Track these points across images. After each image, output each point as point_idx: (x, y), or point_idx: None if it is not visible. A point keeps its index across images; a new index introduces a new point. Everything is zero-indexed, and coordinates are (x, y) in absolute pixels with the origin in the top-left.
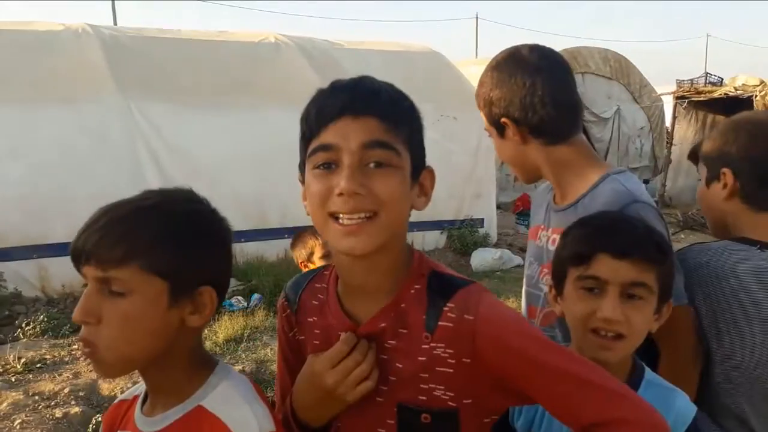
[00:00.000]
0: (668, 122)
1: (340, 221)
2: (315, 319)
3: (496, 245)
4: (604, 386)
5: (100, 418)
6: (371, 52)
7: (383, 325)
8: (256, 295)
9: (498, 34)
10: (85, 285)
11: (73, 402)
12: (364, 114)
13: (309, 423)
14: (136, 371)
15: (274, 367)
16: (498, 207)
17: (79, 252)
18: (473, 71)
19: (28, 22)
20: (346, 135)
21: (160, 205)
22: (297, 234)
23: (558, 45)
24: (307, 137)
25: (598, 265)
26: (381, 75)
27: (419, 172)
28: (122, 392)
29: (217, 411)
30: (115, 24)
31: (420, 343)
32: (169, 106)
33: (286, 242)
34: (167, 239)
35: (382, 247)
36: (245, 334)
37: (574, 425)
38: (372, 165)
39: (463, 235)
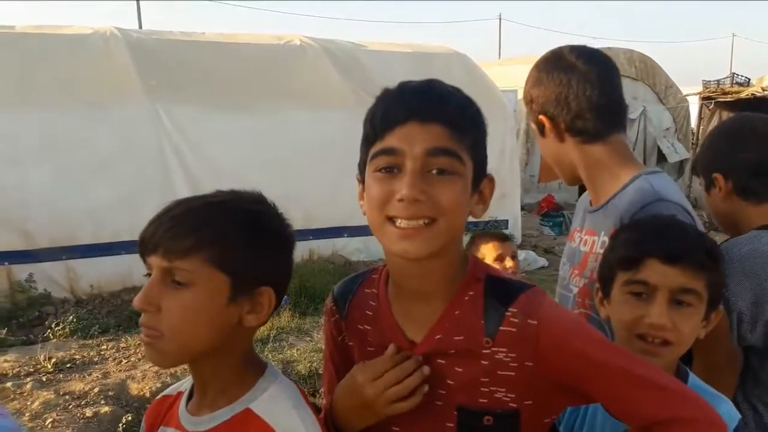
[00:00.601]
0: (693, 123)
1: (397, 224)
2: (368, 328)
3: (521, 246)
4: (665, 386)
5: (129, 418)
6: (396, 54)
7: (439, 337)
8: None
9: (521, 35)
10: (148, 275)
11: (102, 401)
12: (431, 120)
13: (343, 427)
14: (165, 375)
15: (301, 367)
16: (522, 208)
17: (147, 241)
18: (496, 72)
19: (57, 26)
20: (411, 140)
21: (230, 202)
22: (471, 238)
23: None
24: (370, 139)
25: (646, 270)
26: (406, 77)
27: (480, 179)
28: (151, 392)
29: (265, 415)
30: (140, 26)
31: (480, 348)
32: (195, 109)
33: (311, 243)
34: (234, 236)
35: (437, 253)
36: (271, 335)
37: (634, 424)
38: (434, 171)
39: None
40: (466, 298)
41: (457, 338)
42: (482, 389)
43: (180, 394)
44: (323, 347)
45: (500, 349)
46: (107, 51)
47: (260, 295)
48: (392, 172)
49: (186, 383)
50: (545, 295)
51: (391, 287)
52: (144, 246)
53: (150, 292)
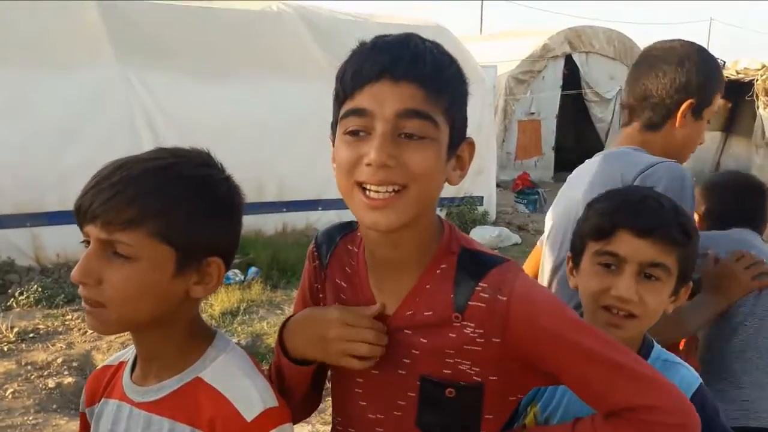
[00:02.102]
0: None
1: (367, 193)
2: (344, 285)
3: (495, 223)
4: (635, 371)
5: None
6: (377, 25)
7: (410, 313)
8: (253, 269)
9: (504, 11)
10: (85, 242)
11: (66, 372)
12: (405, 79)
13: (288, 346)
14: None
15: (270, 340)
16: (497, 185)
17: (85, 210)
18: (477, 47)
19: None
20: (382, 101)
21: (175, 167)
22: None
23: (562, 23)
24: (341, 98)
25: (617, 242)
26: None
27: (458, 144)
28: None
29: (216, 383)
30: None
31: (449, 322)
32: (167, 74)
33: (285, 216)
34: (180, 206)
35: (409, 223)
36: (241, 308)
37: (601, 408)
38: (406, 135)
39: (463, 212)
40: (438, 271)
41: (426, 313)
42: (447, 360)
43: (122, 364)
44: (298, 292)
45: (468, 324)
46: (76, 11)
47: (208, 266)
48: (359, 136)
49: (128, 353)
50: (520, 270)
51: (366, 252)
52: (81, 214)
53: (89, 265)
